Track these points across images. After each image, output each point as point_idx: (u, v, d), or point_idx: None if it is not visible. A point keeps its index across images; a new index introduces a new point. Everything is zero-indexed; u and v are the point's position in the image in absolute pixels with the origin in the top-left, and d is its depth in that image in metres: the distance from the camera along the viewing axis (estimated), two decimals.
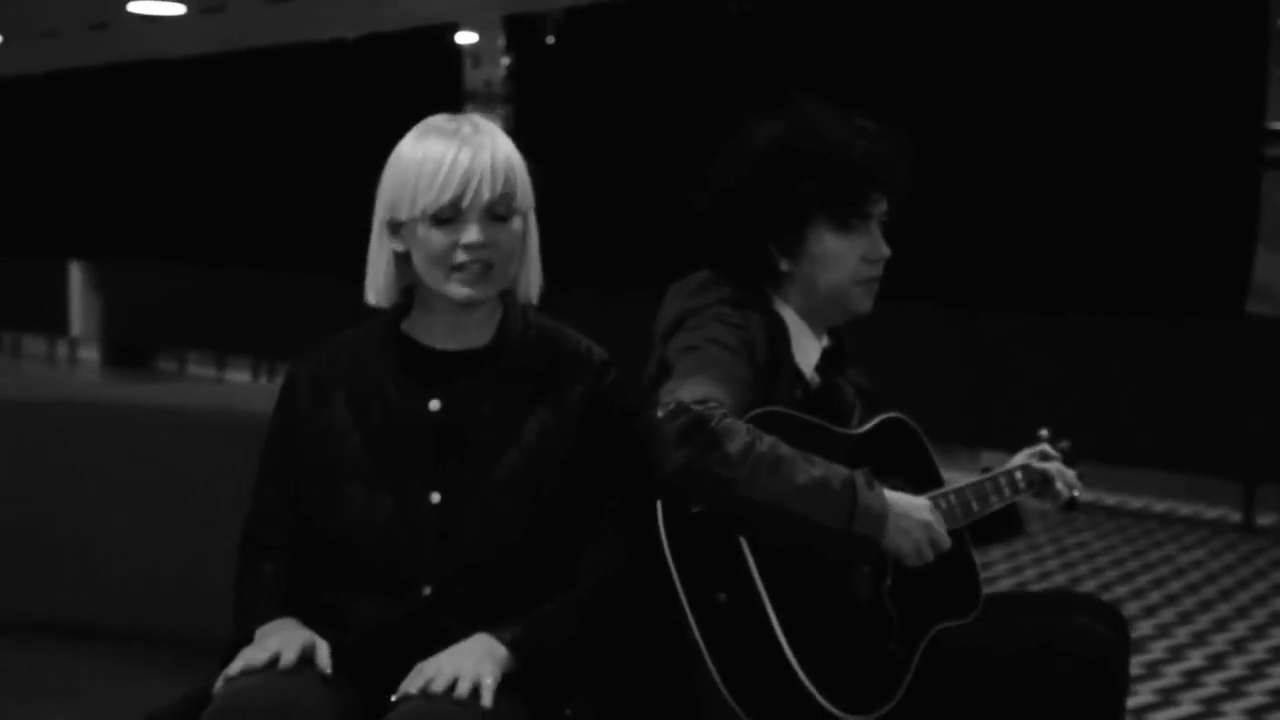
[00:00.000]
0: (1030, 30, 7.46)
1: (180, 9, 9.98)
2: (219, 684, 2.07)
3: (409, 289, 2.31)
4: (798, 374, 2.44)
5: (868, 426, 2.46)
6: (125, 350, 13.82)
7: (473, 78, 12.44)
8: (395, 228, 2.23)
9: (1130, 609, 5.54)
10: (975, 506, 2.53)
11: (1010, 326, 7.93)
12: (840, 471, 2.19)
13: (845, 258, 2.43)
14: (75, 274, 14.93)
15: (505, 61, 10.24)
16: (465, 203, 2.16)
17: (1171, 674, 4.74)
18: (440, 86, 10.52)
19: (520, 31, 10.04)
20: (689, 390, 2.18)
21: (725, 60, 8.64)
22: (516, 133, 10.27)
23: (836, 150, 2.41)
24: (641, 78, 9.10)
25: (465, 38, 11.73)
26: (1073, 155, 7.35)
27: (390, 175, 2.22)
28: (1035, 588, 5.86)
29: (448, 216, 2.17)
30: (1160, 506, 7.71)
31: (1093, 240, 7.35)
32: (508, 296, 2.30)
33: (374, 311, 2.33)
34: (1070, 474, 2.74)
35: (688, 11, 8.96)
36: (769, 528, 2.16)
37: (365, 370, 2.29)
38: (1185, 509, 7.63)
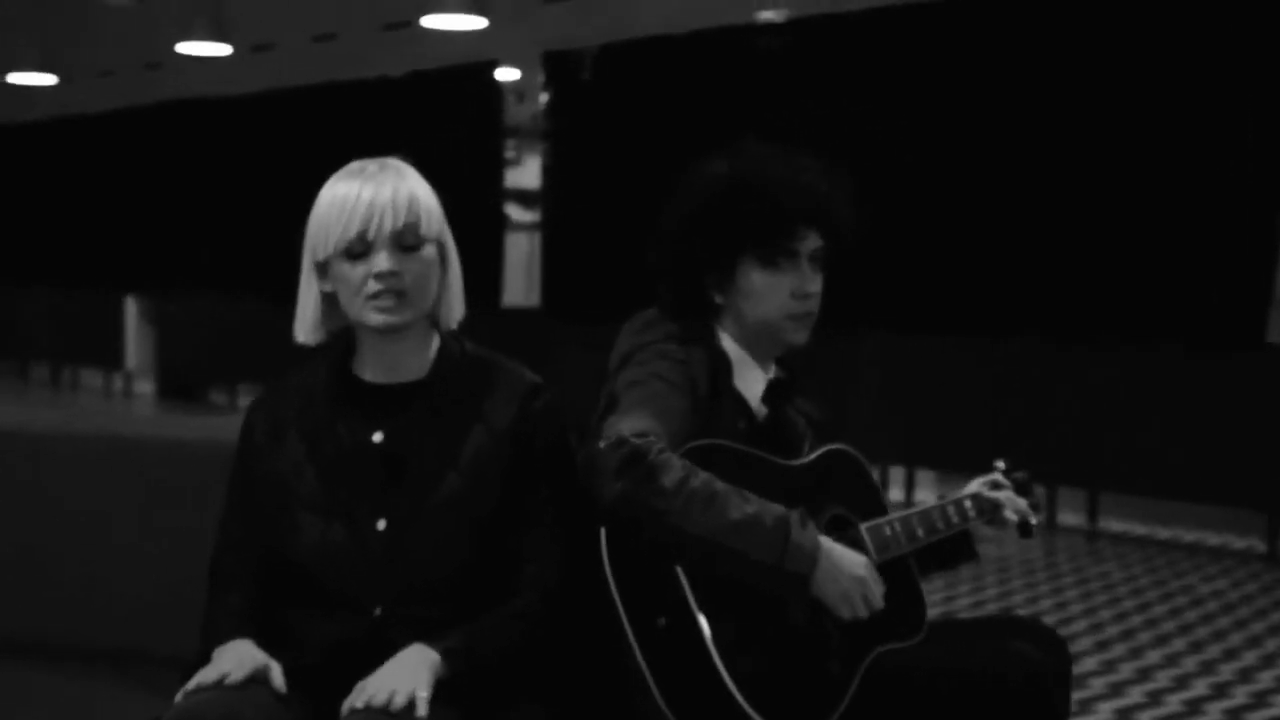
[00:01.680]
0: (1058, 63, 7.54)
1: (227, 50, 10.19)
2: (177, 699, 2.19)
3: (346, 331, 2.44)
4: (742, 405, 2.54)
5: (809, 458, 2.55)
6: (179, 383, 14.06)
7: (518, 113, 12.62)
8: (322, 269, 2.36)
9: (1141, 638, 5.59)
10: (920, 533, 2.62)
11: (1036, 357, 7.98)
12: (774, 509, 2.29)
13: (772, 293, 2.53)
14: (131, 308, 15.23)
15: (543, 97, 10.40)
16: (371, 234, 2.29)
17: (1173, 702, 4.78)
18: (481, 121, 10.71)
19: (558, 67, 10.20)
20: (630, 424, 2.30)
21: (756, 94, 8.76)
22: (554, 167, 10.46)
23: (763, 189, 2.51)
24: (675, 112, 9.22)
25: (508, 74, 11.92)
26: (1097, 188, 7.41)
27: (311, 219, 2.37)
28: (1050, 619, 5.91)
29: (358, 250, 2.30)
30: (1189, 537, 7.74)
31: (1116, 271, 7.41)
32: (438, 327, 2.42)
33: (311, 353, 2.46)
34: (1021, 502, 2.82)
35: (720, 46, 9.08)
36: (702, 559, 2.26)
37: (315, 408, 2.42)
38: (1214, 540, 7.66)
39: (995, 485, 2.84)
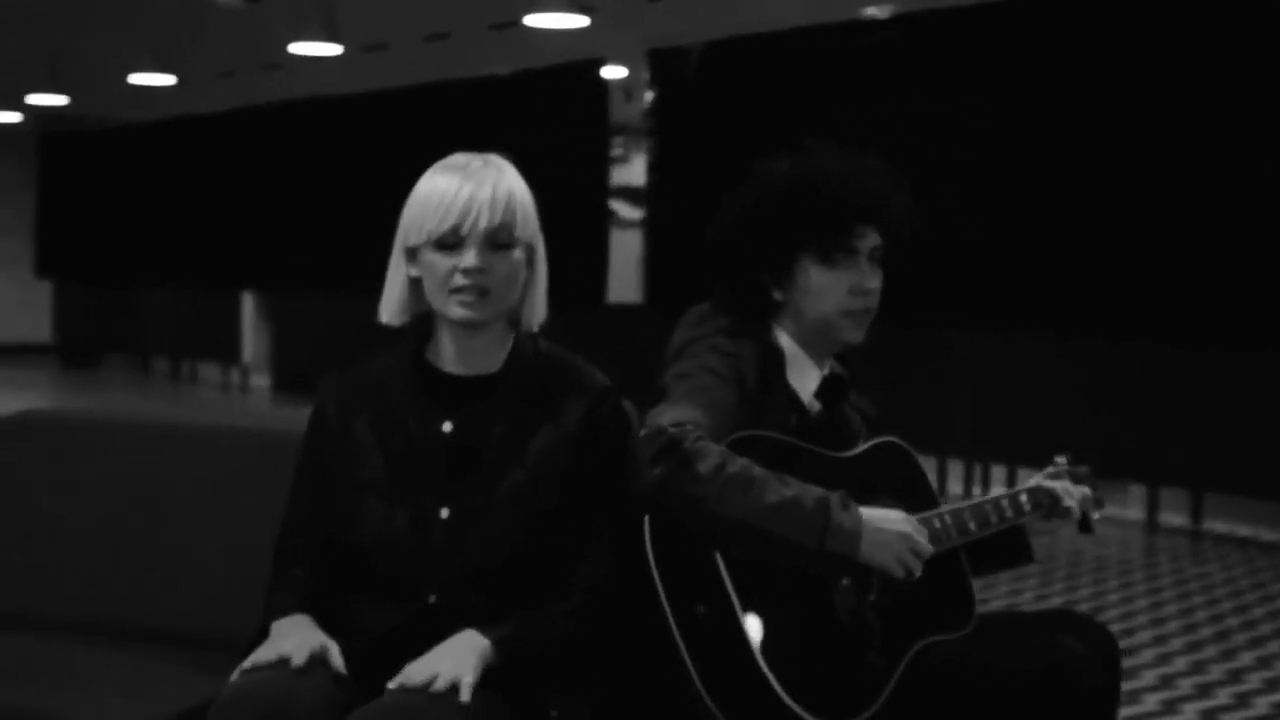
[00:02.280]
0: (1169, 56, 7.45)
1: (338, 50, 10.35)
2: (234, 675, 2.26)
3: (429, 316, 2.49)
4: (794, 399, 2.57)
5: (858, 450, 2.58)
6: (293, 377, 14.31)
7: (627, 111, 12.69)
8: (412, 254, 2.42)
9: (1237, 639, 5.53)
10: (973, 527, 2.63)
11: (1143, 357, 7.90)
12: (815, 492, 2.32)
13: (831, 290, 2.56)
14: (247, 304, 15.53)
15: (649, 95, 10.45)
16: (465, 229, 2.34)
17: (1261, 705, 4.73)
18: (587, 119, 10.78)
19: (663, 65, 10.24)
20: (671, 414, 2.34)
21: (861, 90, 8.73)
22: (659, 164, 10.50)
23: (823, 187, 2.54)
24: (780, 108, 9.22)
25: (616, 72, 11.99)
26: (1206, 189, 7.31)
27: (408, 206, 2.42)
28: (1143, 618, 5.86)
29: (450, 242, 2.35)
30: None
31: (1222, 272, 7.31)
32: (518, 326, 2.47)
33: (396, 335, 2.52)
34: (1080, 492, 2.80)
35: (825, 43, 9.07)
36: (741, 544, 2.30)
37: (388, 394, 2.47)
38: None
39: (1055, 478, 2.83)
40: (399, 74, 12.08)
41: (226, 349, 15.80)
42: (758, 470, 2.30)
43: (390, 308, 2.47)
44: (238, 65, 13.19)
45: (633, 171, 13.28)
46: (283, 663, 2.24)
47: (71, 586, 3.09)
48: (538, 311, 2.49)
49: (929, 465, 8.88)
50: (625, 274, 11.17)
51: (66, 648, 2.92)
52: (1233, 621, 5.85)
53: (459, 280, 2.35)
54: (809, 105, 8.99)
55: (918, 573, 2.42)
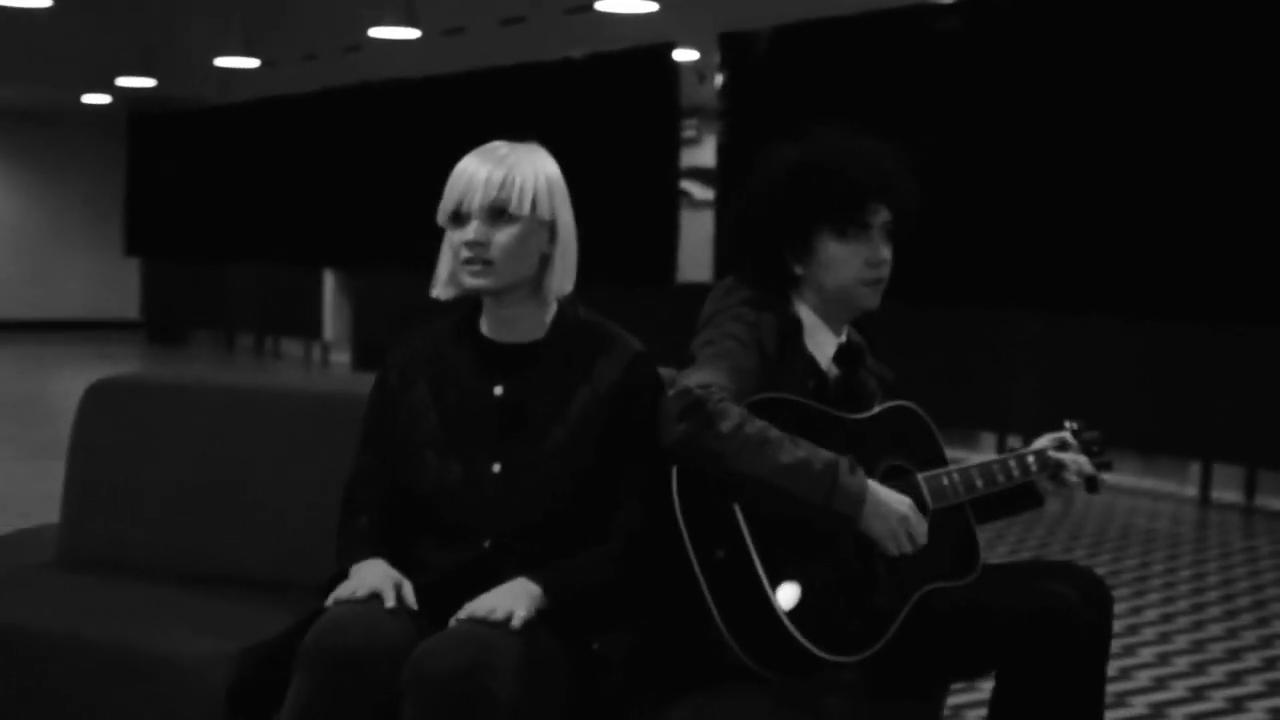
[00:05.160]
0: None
1: (416, 34, 10.64)
2: (328, 603, 2.54)
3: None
4: (812, 365, 2.80)
5: (872, 412, 2.81)
6: (373, 354, 14.65)
7: (700, 93, 12.90)
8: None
9: (1273, 608, 5.69)
10: (980, 484, 2.86)
11: (1194, 336, 8.04)
12: (824, 455, 2.56)
13: (847, 262, 2.80)
14: (329, 282, 15.89)
15: (719, 78, 10.66)
16: (465, 206, 2.64)
17: None
18: (658, 102, 11.00)
19: (733, 48, 10.44)
20: (697, 376, 2.59)
21: (929, 75, 8.88)
22: (729, 146, 10.67)
23: (836, 167, 2.78)
24: (848, 92, 9.39)
25: (689, 55, 12.20)
26: (1258, 170, 7.42)
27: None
28: (1184, 587, 6.04)
29: (457, 218, 2.66)
30: None
31: (1273, 250, 7.42)
32: (548, 297, 2.73)
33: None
34: (1084, 462, 3.02)
35: (895, 28, 9.22)
36: (755, 497, 2.54)
37: (444, 358, 2.75)
38: None
39: (1063, 444, 3.05)
40: (475, 57, 12.36)
41: (308, 325, 16.20)
42: (773, 432, 2.54)
43: (438, 283, 2.76)
44: (320, 48, 13.51)
45: (706, 153, 13.49)
46: (371, 597, 2.52)
47: (160, 536, 3.40)
48: (563, 282, 2.73)
49: (989, 442, 9.07)
50: (697, 253, 11.38)
51: (156, 590, 3.22)
52: (1272, 591, 6.01)
53: (464, 252, 2.64)
54: (877, 90, 9.16)
55: (909, 551, 2.64)
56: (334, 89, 14.17)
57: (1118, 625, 5.09)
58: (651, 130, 11.04)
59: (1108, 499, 8.11)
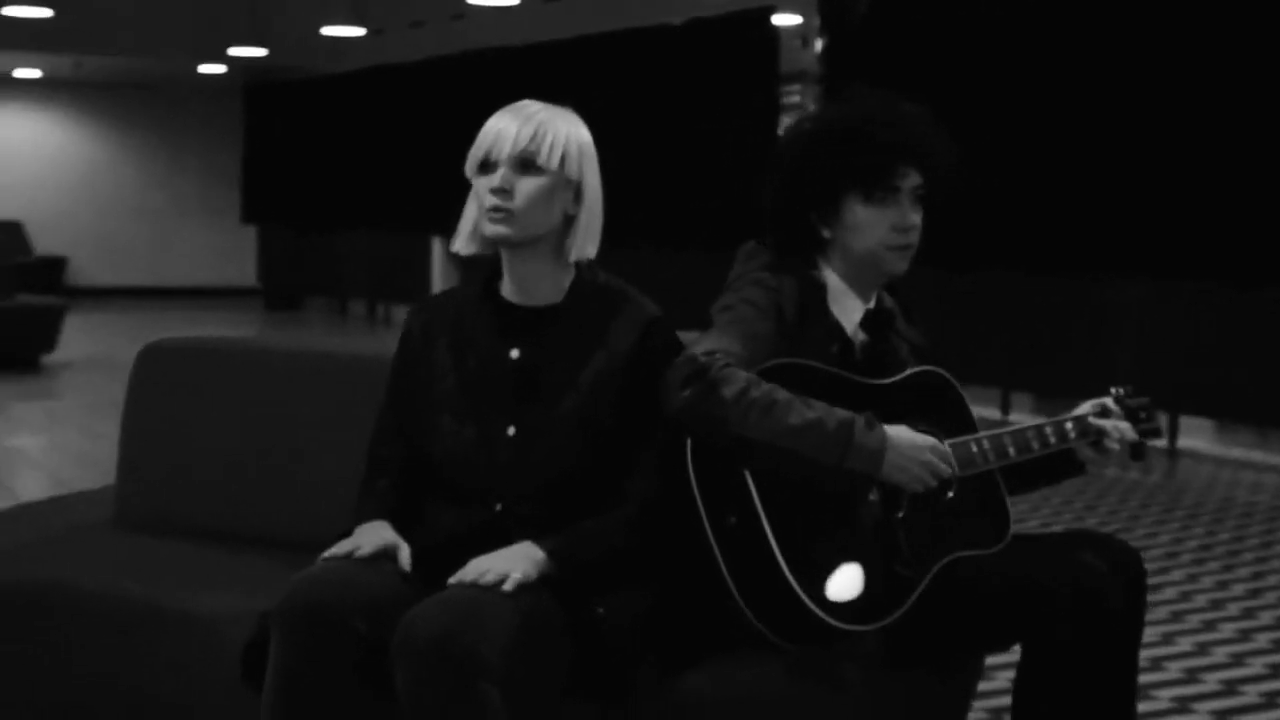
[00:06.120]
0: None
1: (512, 0, 10.65)
2: (319, 560, 2.56)
3: (498, 254, 2.74)
4: (837, 330, 2.75)
5: (897, 377, 2.76)
6: None
7: (804, 58, 12.79)
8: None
9: None
10: (1012, 452, 2.79)
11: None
12: (840, 414, 2.51)
13: (875, 226, 2.74)
14: (437, 248, 16.00)
15: (819, 43, 10.56)
16: (494, 154, 2.64)
17: None
18: (758, 67, 10.92)
19: (833, 13, 10.33)
20: (706, 343, 2.56)
21: (1036, 38, 8.70)
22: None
23: (866, 131, 2.72)
24: (948, 57, 9.25)
25: (792, 20, 12.10)
26: None
27: None
28: (1248, 555, 5.92)
29: (486, 166, 2.66)
30: None
31: None
32: (567, 258, 2.70)
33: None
34: (1127, 428, 2.93)
35: None
36: (761, 461, 2.50)
37: (465, 322, 2.74)
38: None
39: (1104, 410, 2.97)
40: (576, 24, 12.35)
41: (419, 292, 16.32)
42: (781, 394, 2.50)
43: (460, 238, 2.75)
44: (425, 16, 13.59)
45: None
46: (352, 555, 2.52)
47: (208, 497, 3.44)
48: (584, 245, 2.71)
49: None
50: None
51: (195, 550, 3.27)
52: None
53: (489, 200, 2.63)
54: (978, 51, 9.02)
55: (933, 484, 2.59)
56: (440, 57, 14.25)
57: (1160, 611, 5.00)
58: (751, 96, 10.96)
59: (1210, 470, 7.95)
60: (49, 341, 11.77)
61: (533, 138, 2.62)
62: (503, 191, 2.61)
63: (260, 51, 14.87)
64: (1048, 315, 9.30)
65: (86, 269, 20.12)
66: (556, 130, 2.65)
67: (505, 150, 2.62)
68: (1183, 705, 4.16)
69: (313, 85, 16.77)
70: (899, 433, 2.57)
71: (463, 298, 2.80)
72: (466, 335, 2.73)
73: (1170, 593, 5.39)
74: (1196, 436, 8.77)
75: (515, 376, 2.68)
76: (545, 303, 2.71)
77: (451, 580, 2.45)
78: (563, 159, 2.65)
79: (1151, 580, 5.43)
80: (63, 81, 19.68)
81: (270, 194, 17.92)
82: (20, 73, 19.11)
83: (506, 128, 2.64)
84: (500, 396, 2.67)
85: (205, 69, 17.86)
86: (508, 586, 2.42)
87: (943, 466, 2.60)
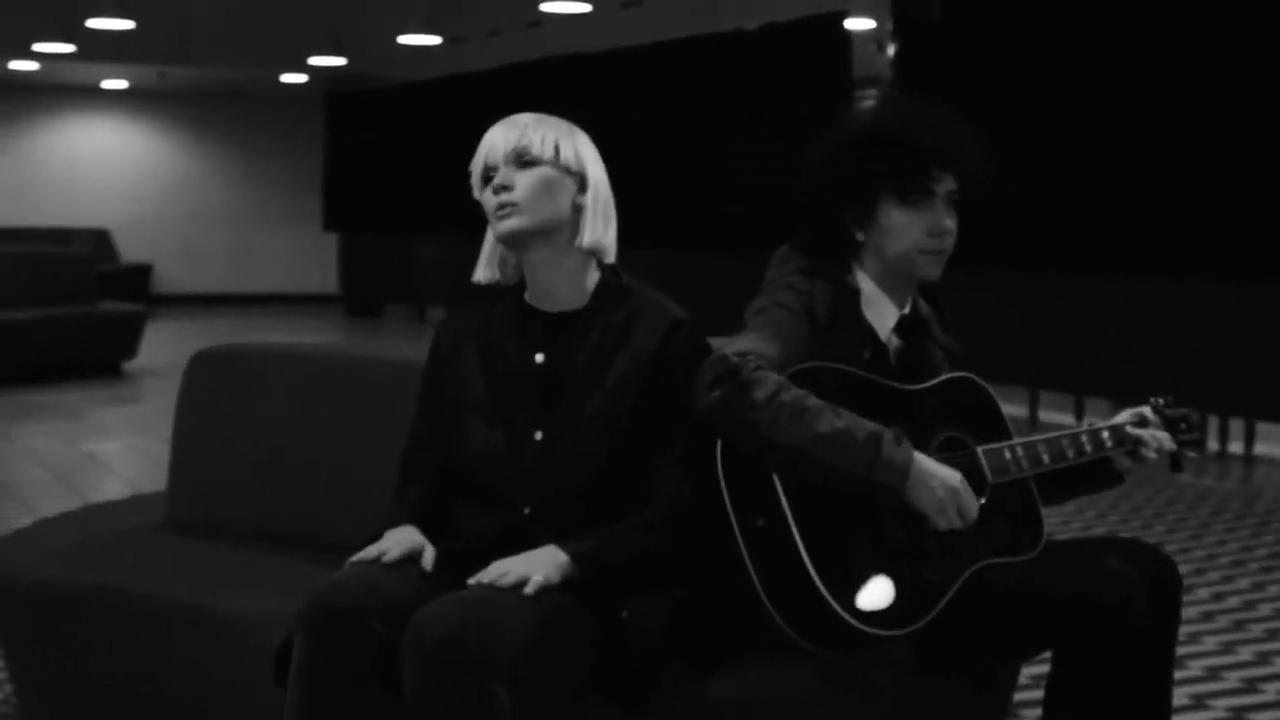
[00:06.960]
0: None
1: (585, 7, 10.69)
2: (344, 566, 2.58)
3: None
4: (869, 335, 2.74)
5: (929, 383, 2.75)
6: None
7: (879, 62, 12.76)
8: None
9: None
10: (1046, 460, 2.77)
11: None
12: (869, 426, 2.51)
13: (909, 230, 2.73)
14: None
15: (892, 47, 10.52)
16: (492, 158, 2.69)
17: None
18: (831, 72, 10.89)
19: (906, 17, 10.28)
20: (738, 345, 2.56)
21: (1110, 40, 8.62)
22: None
23: (902, 134, 2.71)
24: (1023, 61, 9.17)
25: (865, 24, 12.07)
26: None
27: None
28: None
29: (488, 175, 2.70)
30: None
31: None
32: (582, 249, 2.72)
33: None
34: (1165, 438, 2.89)
35: None
36: (789, 466, 2.50)
37: (491, 328, 2.77)
38: None
39: (1142, 420, 2.94)
40: (650, 30, 12.38)
41: None
42: (812, 401, 2.49)
43: (480, 265, 2.81)
44: (501, 24, 13.67)
45: None
46: (379, 560, 2.55)
47: (257, 501, 3.49)
48: (598, 234, 2.72)
49: None
50: None
51: (241, 553, 3.31)
52: None
53: (493, 201, 2.67)
54: (1053, 58, 8.94)
55: (957, 526, 2.57)
56: (517, 64, 14.32)
57: (1222, 620, 4.93)
58: (824, 101, 10.93)
59: (1265, 474, 7.86)
60: (130, 348, 11.94)
61: (523, 135, 2.68)
62: (504, 188, 2.66)
63: (340, 61, 15.03)
64: (1121, 319, 9.20)
65: (171, 276, 20.40)
66: (546, 126, 2.71)
67: (499, 152, 2.68)
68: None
69: (392, 93, 16.92)
70: (927, 460, 2.56)
71: (491, 306, 2.83)
72: (494, 342, 2.76)
73: (1234, 601, 5.31)
74: (1273, 443, 8.64)
75: (540, 381, 2.70)
76: (570, 307, 2.74)
77: (471, 581, 2.47)
78: (557, 148, 2.70)
79: (1217, 588, 5.44)
80: (148, 92, 19.99)
81: (351, 201, 18.09)
82: (107, 84, 19.43)
83: (496, 136, 2.70)
84: (526, 401, 2.69)
85: (287, 78, 18.06)
86: (529, 590, 2.43)
87: (971, 506, 2.58)
